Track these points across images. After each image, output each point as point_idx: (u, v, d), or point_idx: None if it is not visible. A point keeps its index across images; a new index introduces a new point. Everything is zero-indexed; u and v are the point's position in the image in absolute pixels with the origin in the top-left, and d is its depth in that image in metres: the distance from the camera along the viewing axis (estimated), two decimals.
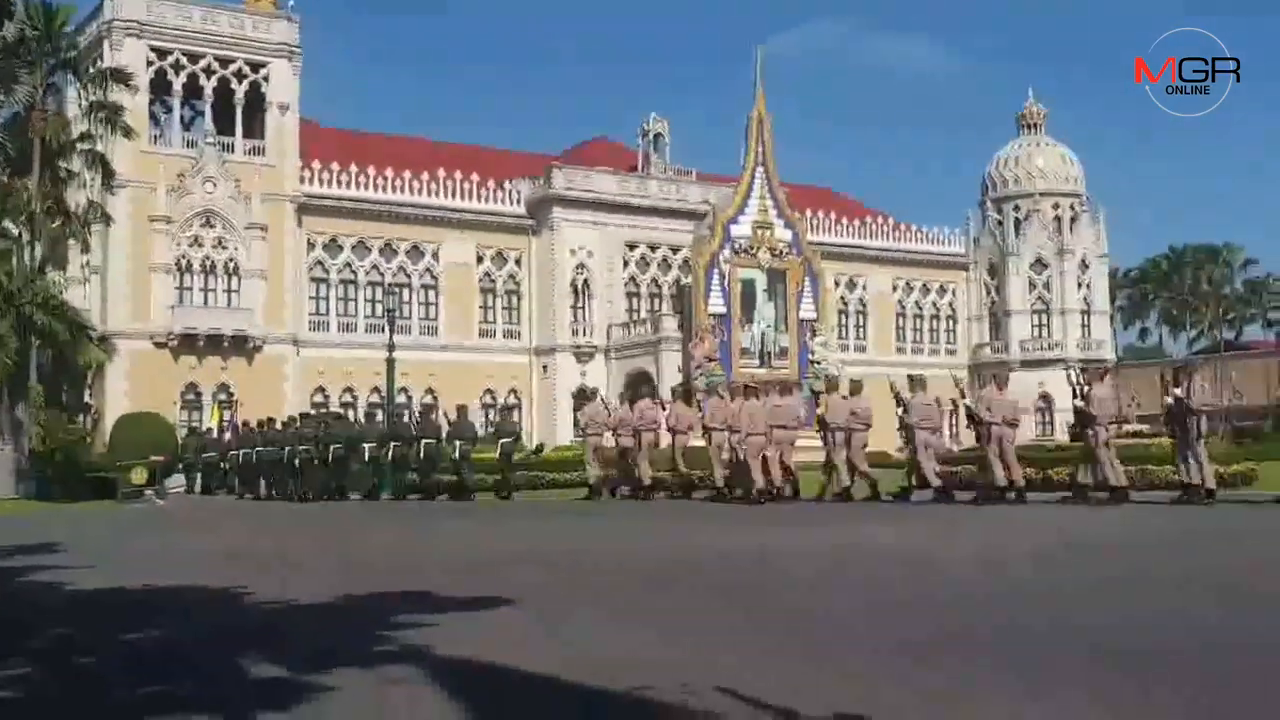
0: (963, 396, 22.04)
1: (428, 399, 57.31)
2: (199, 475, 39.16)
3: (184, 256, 58.20)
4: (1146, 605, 7.93)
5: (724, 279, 60.51)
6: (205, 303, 58.80)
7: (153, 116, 59.50)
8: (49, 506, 31.94)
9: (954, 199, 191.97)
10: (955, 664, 5.80)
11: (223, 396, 57.63)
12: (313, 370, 60.93)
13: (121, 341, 54.12)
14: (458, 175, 65.98)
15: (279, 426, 33.85)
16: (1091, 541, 13.29)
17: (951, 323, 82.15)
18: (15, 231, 41.12)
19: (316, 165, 62.16)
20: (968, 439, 31.56)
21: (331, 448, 29.87)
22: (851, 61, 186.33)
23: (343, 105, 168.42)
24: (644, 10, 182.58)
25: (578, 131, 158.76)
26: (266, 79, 61.15)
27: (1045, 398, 72.82)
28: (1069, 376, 21.21)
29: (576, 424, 27.41)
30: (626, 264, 69.82)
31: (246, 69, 60.89)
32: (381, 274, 64.07)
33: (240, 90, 60.70)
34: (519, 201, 67.75)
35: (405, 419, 32.57)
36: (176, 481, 39.89)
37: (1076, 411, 19.76)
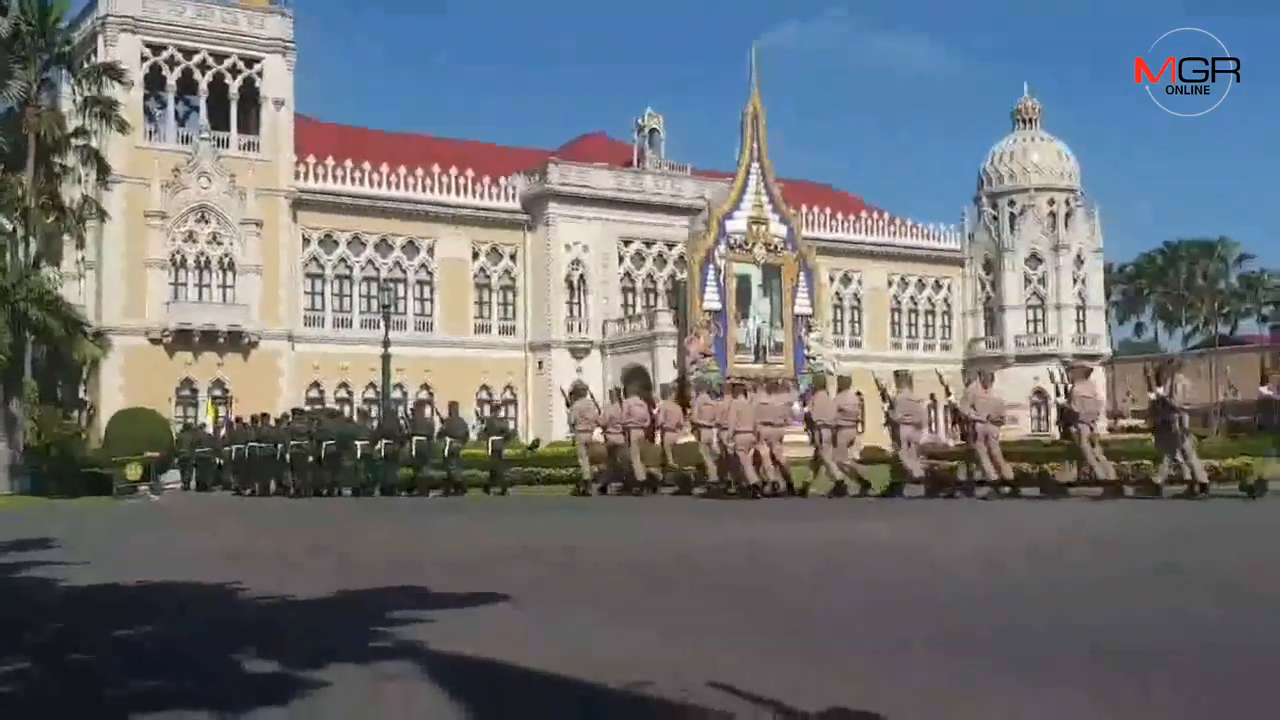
0: (948, 394, 22.04)
1: (423, 395, 57.20)
2: (194, 471, 39.12)
3: (179, 252, 58.11)
4: (1143, 603, 7.93)
5: (719, 274, 60.57)
6: (200, 298, 58.70)
7: (147, 112, 59.39)
8: (44, 502, 31.89)
9: (950, 195, 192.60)
10: (954, 662, 5.80)
11: (218, 392, 57.64)
12: (308, 366, 60.86)
13: (116, 337, 54.04)
14: (453, 171, 65.90)
15: (273, 423, 33.95)
16: (1086, 537, 13.31)
17: (947, 318, 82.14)
18: (9, 227, 41.00)
19: (311, 160, 62.10)
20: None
21: (324, 444, 29.93)
22: (847, 58, 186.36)
23: (341, 103, 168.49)
24: (640, 7, 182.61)
25: (574, 127, 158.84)
26: (261, 74, 61.06)
27: (1040, 393, 72.81)
28: (1052, 374, 21.34)
29: (569, 420, 27.36)
30: (622, 259, 69.77)
31: (241, 64, 60.81)
32: (377, 269, 64.00)
33: (235, 85, 60.62)
34: (514, 197, 67.69)
35: (399, 415, 32.61)
36: (172, 477, 39.81)
37: (1060, 409, 19.88)
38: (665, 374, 56.14)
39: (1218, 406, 73.30)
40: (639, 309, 68.41)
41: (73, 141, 42.61)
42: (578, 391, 27.75)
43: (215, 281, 59.10)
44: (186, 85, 60.51)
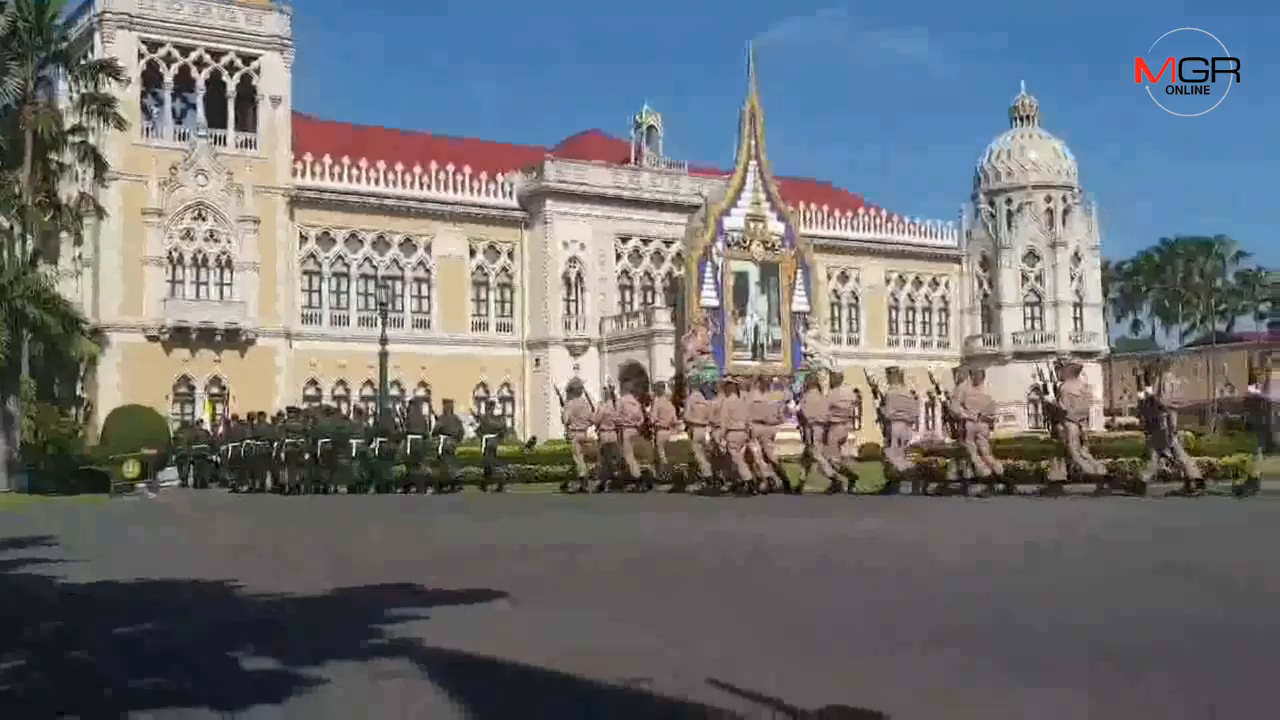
0: (938, 392, 22.08)
1: (421, 392, 57.21)
2: (192, 469, 39.15)
3: (176, 249, 58.10)
4: (1140, 601, 7.93)
5: (717, 272, 60.55)
6: (197, 296, 58.70)
7: (144, 109, 59.37)
8: (41, 500, 31.86)
9: (947, 192, 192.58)
10: (953, 660, 5.80)
11: (215, 390, 57.66)
12: (305, 363, 60.87)
13: (114, 335, 54.11)
14: (450, 168, 65.91)
15: (269, 421, 34.02)
16: (1081, 535, 13.32)
17: (944, 315, 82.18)
18: (6, 225, 41.00)
19: (309, 158, 62.10)
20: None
21: (319, 442, 29.99)
22: (845, 56, 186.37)
23: (339, 101, 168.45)
24: (638, 5, 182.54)
25: (571, 125, 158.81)
26: (258, 71, 61.08)
27: (1038, 390, 72.84)
28: (1040, 372, 21.42)
29: (563, 419, 27.39)
30: (619, 257, 69.78)
31: (238, 61, 60.82)
32: (374, 267, 63.99)
33: (232, 83, 60.64)
34: (511, 194, 67.70)
35: (394, 413, 32.67)
36: (169, 475, 39.82)
37: (1047, 407, 19.96)
38: (663, 371, 56.13)
39: (1214, 404, 73.45)
40: (636, 307, 68.41)
41: (70, 139, 42.60)
42: (573, 390, 27.79)
43: (212, 279, 59.10)
44: (184, 82, 60.51)
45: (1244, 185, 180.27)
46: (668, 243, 69.50)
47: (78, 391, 55.44)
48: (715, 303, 60.23)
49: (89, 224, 49.43)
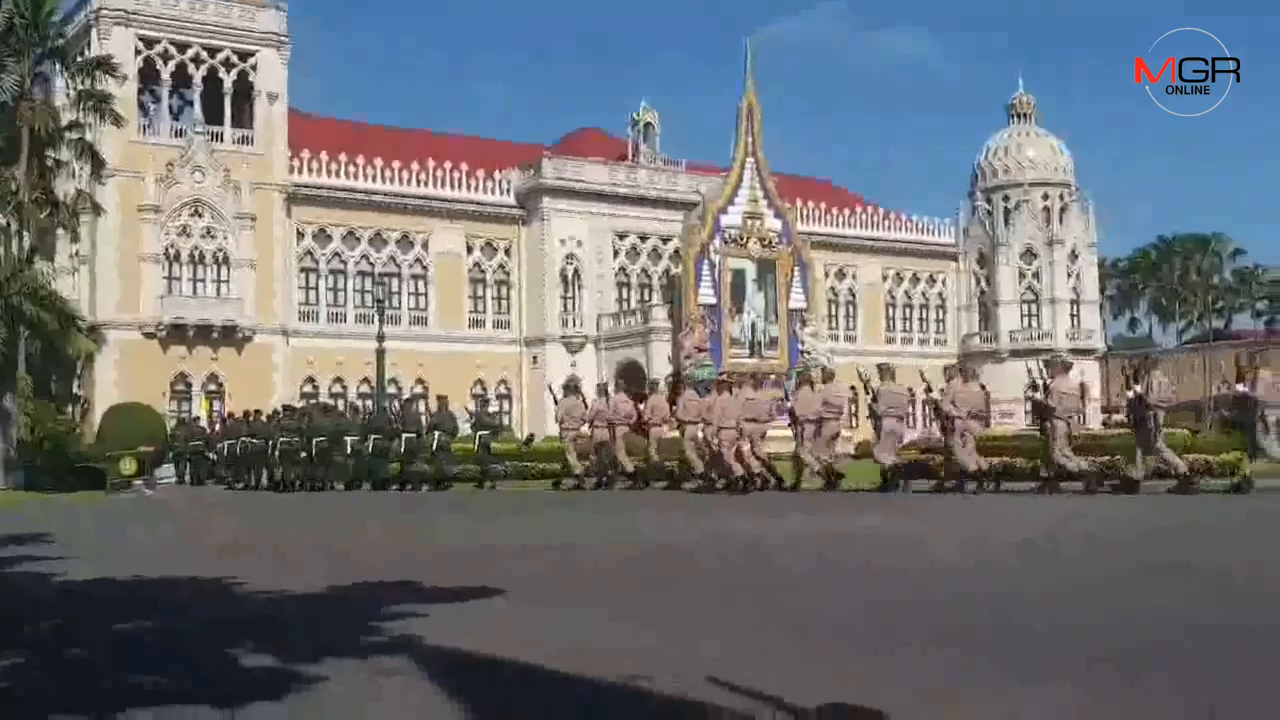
0: (929, 390, 22.14)
1: (418, 389, 57.31)
2: (188, 466, 39.17)
3: (173, 246, 58.06)
4: (1138, 600, 7.94)
5: (714, 269, 60.56)
6: (194, 293, 58.65)
7: (141, 106, 59.35)
8: (38, 497, 31.87)
9: (944, 190, 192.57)
10: (953, 659, 5.80)
11: (212, 387, 57.67)
12: (302, 360, 60.84)
13: (110, 331, 54.09)
14: (447, 165, 65.90)
15: (265, 419, 34.10)
16: (1078, 532, 13.33)
17: (941, 313, 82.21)
18: (3, 221, 41.03)
19: (306, 155, 62.07)
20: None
21: (314, 439, 30.06)
22: (842, 52, 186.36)
23: (336, 98, 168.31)
24: (635, 1, 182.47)
25: (569, 122, 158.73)
26: (254, 68, 61.02)
27: (1035, 387, 72.88)
28: (1030, 370, 21.53)
29: (556, 418, 27.48)
30: (616, 254, 69.78)
31: (234, 58, 60.76)
32: (371, 264, 63.99)
33: (228, 80, 60.59)
34: (509, 191, 67.70)
35: (388, 410, 32.78)
36: (166, 472, 39.83)
37: (1036, 404, 20.03)
38: (660, 369, 56.17)
39: (1211, 401, 73.45)
40: (633, 304, 68.41)
41: (67, 135, 42.59)
42: (567, 388, 27.89)
43: (209, 276, 59.06)
44: (180, 79, 60.50)
45: (1241, 183, 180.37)
46: (665, 240, 69.50)
47: (74, 389, 55.43)
48: (712, 300, 60.24)
49: (86, 221, 49.46)
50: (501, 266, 68.12)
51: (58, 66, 44.13)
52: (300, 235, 62.62)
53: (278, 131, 61.13)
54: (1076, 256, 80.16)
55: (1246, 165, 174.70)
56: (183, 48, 59.57)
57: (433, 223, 65.59)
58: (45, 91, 45.12)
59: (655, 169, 71.27)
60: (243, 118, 60.99)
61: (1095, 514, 15.61)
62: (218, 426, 39.42)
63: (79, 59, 45.52)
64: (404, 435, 28.52)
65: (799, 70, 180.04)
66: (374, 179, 64.18)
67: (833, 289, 77.23)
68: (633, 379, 54.90)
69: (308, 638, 6.81)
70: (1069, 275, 79.80)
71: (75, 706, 4.99)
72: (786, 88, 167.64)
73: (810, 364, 52.67)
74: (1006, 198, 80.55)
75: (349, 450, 29.43)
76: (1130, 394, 18.99)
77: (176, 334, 57.21)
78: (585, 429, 26.05)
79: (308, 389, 59.71)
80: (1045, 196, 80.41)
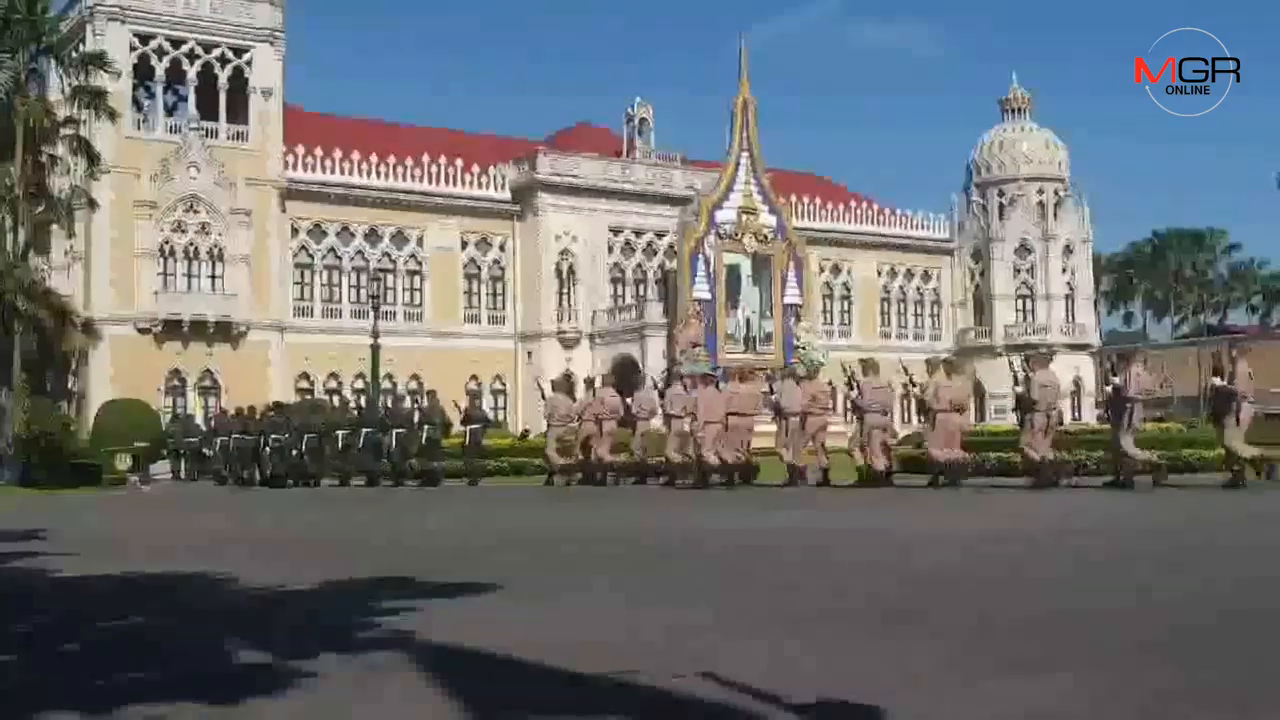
0: (912, 384, 22.20)
1: (413, 385, 57.33)
2: (183, 462, 39.22)
3: (168, 242, 58.07)
4: (1134, 588, 7.98)
5: (709, 264, 60.52)
6: (189, 288, 58.70)
7: (136, 102, 59.41)
8: (33, 493, 31.89)
9: (939, 185, 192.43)
10: (952, 652, 5.83)
11: (207, 383, 57.68)
12: (298, 356, 60.86)
13: (105, 327, 54.01)
14: (442, 160, 65.90)
15: (258, 415, 34.22)
16: (1072, 526, 13.39)
17: (936, 308, 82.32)
18: None
19: (300, 150, 62.07)
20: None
21: (305, 435, 30.16)
22: (837, 46, 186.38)
23: (331, 93, 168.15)
24: None
25: (563, 117, 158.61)
26: (249, 64, 61.04)
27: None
28: (1011, 363, 21.63)
29: (544, 414, 27.57)
30: (611, 249, 69.82)
31: (230, 54, 60.76)
32: (366, 260, 64.00)
33: (223, 75, 60.59)
34: (504, 187, 67.70)
35: (379, 406, 32.93)
36: (161, 468, 39.87)
37: (1017, 398, 20.14)
38: (655, 364, 56.18)
39: (1207, 396, 73.46)
40: (628, 300, 68.44)
41: (62, 131, 42.56)
42: (555, 384, 28.03)
43: (204, 271, 59.08)
44: (175, 75, 60.55)
45: (1236, 178, 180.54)
46: (660, 235, 69.56)
47: (70, 385, 55.44)
48: (707, 296, 60.21)
49: (81, 217, 49.49)
50: (496, 262, 68.15)
51: (52, 62, 44.09)
52: (295, 231, 62.63)
53: (273, 127, 61.13)
54: (1071, 251, 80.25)
55: (1241, 160, 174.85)
56: (178, 43, 59.59)
57: (427, 218, 65.61)
58: (40, 87, 45.11)
59: (650, 164, 71.30)
60: (238, 113, 60.97)
61: (1094, 510, 15.66)
62: (213, 423, 39.48)
63: (74, 55, 45.46)
64: (394, 430, 28.60)
65: (794, 65, 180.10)
66: (369, 174, 64.18)
67: (828, 284, 77.34)
68: (627, 375, 54.88)
69: (302, 633, 6.82)
70: (1064, 270, 79.90)
71: (68, 702, 5.00)
72: (782, 83, 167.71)
73: (805, 359, 52.77)
74: (1001, 192, 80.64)
75: (340, 445, 29.52)
76: (1109, 387, 19.15)
77: (172, 330, 57.20)
78: (573, 424, 26.11)
79: (303, 385, 59.76)
80: (1040, 191, 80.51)
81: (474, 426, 28.85)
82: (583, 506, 19.15)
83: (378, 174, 64.44)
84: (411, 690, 5.19)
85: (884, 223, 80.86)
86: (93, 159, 43.91)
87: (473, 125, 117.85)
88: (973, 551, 10.64)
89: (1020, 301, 79.95)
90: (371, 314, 47.76)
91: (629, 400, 26.28)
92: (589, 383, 28.36)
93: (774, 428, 23.03)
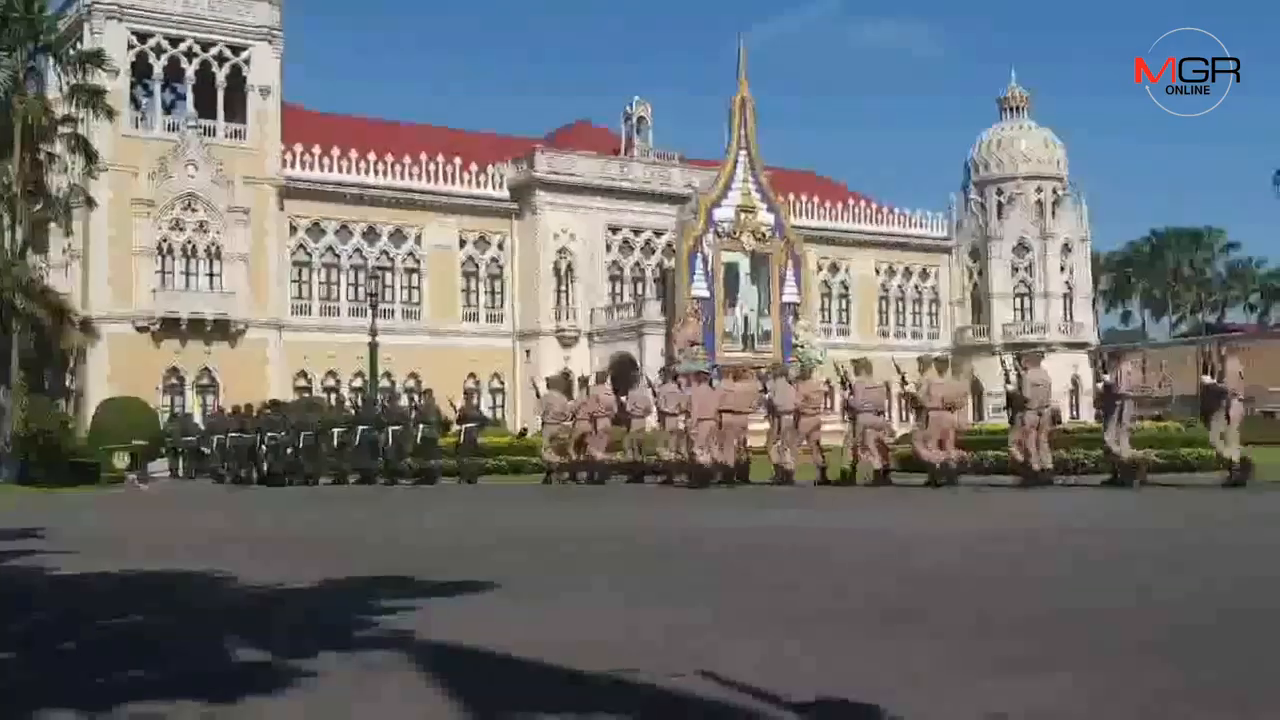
0: (904, 383, 22.26)
1: (410, 383, 57.31)
2: (181, 460, 39.24)
3: (166, 240, 58.03)
4: (1119, 583, 7.98)
5: (707, 263, 60.60)
6: (187, 287, 58.64)
7: (134, 100, 59.38)
8: (31, 491, 31.89)
9: (937, 183, 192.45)
10: (951, 651, 5.83)
11: (205, 381, 57.64)
12: (296, 355, 60.83)
13: (103, 326, 53.95)
14: (440, 159, 65.85)
15: (255, 413, 34.27)
16: (1063, 525, 13.40)
17: (934, 306, 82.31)
18: None
19: (299, 149, 62.03)
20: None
21: (302, 434, 30.19)
22: (837, 46, 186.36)
23: (329, 91, 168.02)
24: None
25: (562, 115, 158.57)
26: (248, 62, 60.97)
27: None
28: (1002, 362, 21.72)
29: (537, 412, 27.66)
30: (610, 248, 69.80)
31: (228, 52, 60.69)
32: (364, 258, 63.97)
33: (221, 74, 60.52)
34: (502, 185, 67.66)
35: (375, 404, 32.98)
36: (159, 466, 39.87)
37: (1009, 396, 20.20)
38: (653, 362, 56.18)
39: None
40: (627, 298, 68.45)
41: (60, 129, 42.54)
42: (550, 381, 28.11)
43: (202, 270, 59.03)
44: (173, 73, 60.49)
45: (1234, 177, 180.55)
46: (658, 233, 69.55)
47: (67, 383, 55.40)
48: (706, 294, 60.29)
49: (79, 215, 49.46)
50: (495, 260, 68.12)
51: (50, 60, 44.07)
52: (293, 229, 62.59)
53: (271, 125, 61.09)
54: (1069, 250, 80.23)
55: (1240, 159, 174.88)
56: (175, 42, 59.53)
57: (426, 216, 65.58)
58: (38, 85, 45.06)
59: (648, 163, 71.27)
60: (236, 112, 60.94)
61: (1095, 507, 15.67)
62: (210, 421, 39.52)
63: (71, 53, 45.44)
64: (390, 428, 28.65)
65: (794, 65, 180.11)
66: (367, 173, 64.14)
67: (826, 282, 77.32)
68: (626, 373, 54.89)
69: (301, 632, 6.82)
70: (1062, 269, 79.89)
71: (68, 701, 4.99)
72: (782, 82, 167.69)
73: (802, 357, 52.78)
74: (1000, 191, 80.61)
75: (335, 443, 29.57)
76: (1100, 384, 19.26)
77: (169, 328, 57.16)
78: (567, 422, 26.17)
79: (301, 383, 59.75)
80: (1038, 190, 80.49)
81: (469, 425, 28.91)
82: (581, 505, 19.14)
83: (376, 172, 64.39)
84: (410, 689, 5.18)
85: (882, 221, 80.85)
86: (91, 157, 43.87)
87: (471, 124, 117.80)
88: (972, 551, 10.63)
89: (1018, 300, 79.92)
90: (370, 312, 47.77)
91: (623, 399, 26.35)
92: (582, 381, 28.40)
93: (768, 426, 23.13)
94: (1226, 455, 17.93)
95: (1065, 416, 32.60)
